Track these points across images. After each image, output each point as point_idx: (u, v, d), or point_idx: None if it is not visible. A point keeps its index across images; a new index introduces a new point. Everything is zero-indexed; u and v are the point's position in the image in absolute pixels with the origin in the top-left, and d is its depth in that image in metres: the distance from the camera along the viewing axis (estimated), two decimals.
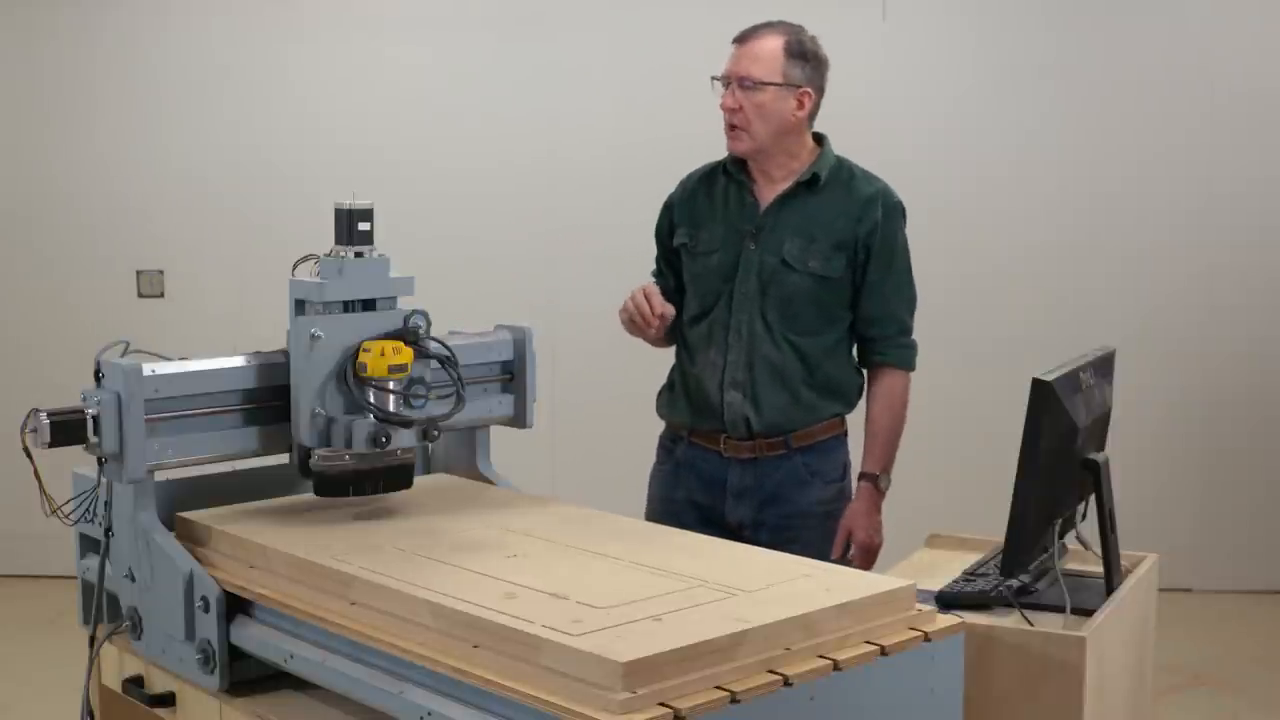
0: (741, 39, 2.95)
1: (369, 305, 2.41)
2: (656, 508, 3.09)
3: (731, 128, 2.94)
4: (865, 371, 3.10)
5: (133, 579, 2.31)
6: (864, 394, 3.10)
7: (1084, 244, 5.58)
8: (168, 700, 2.29)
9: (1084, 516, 2.59)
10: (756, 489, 2.99)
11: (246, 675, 2.19)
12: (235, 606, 2.18)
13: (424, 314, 2.43)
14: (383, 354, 2.32)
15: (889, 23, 5.55)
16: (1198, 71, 5.49)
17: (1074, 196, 5.58)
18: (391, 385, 2.35)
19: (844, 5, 5.57)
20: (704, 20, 5.45)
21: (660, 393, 3.16)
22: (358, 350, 2.34)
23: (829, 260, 2.96)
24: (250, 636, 2.16)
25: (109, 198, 5.76)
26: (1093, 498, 2.49)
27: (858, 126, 5.67)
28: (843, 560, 3.02)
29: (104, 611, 2.40)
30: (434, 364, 2.44)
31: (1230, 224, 5.54)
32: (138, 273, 5.76)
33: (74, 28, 5.72)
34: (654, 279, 3.14)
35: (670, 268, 3.14)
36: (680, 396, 3.07)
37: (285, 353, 2.37)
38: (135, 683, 2.36)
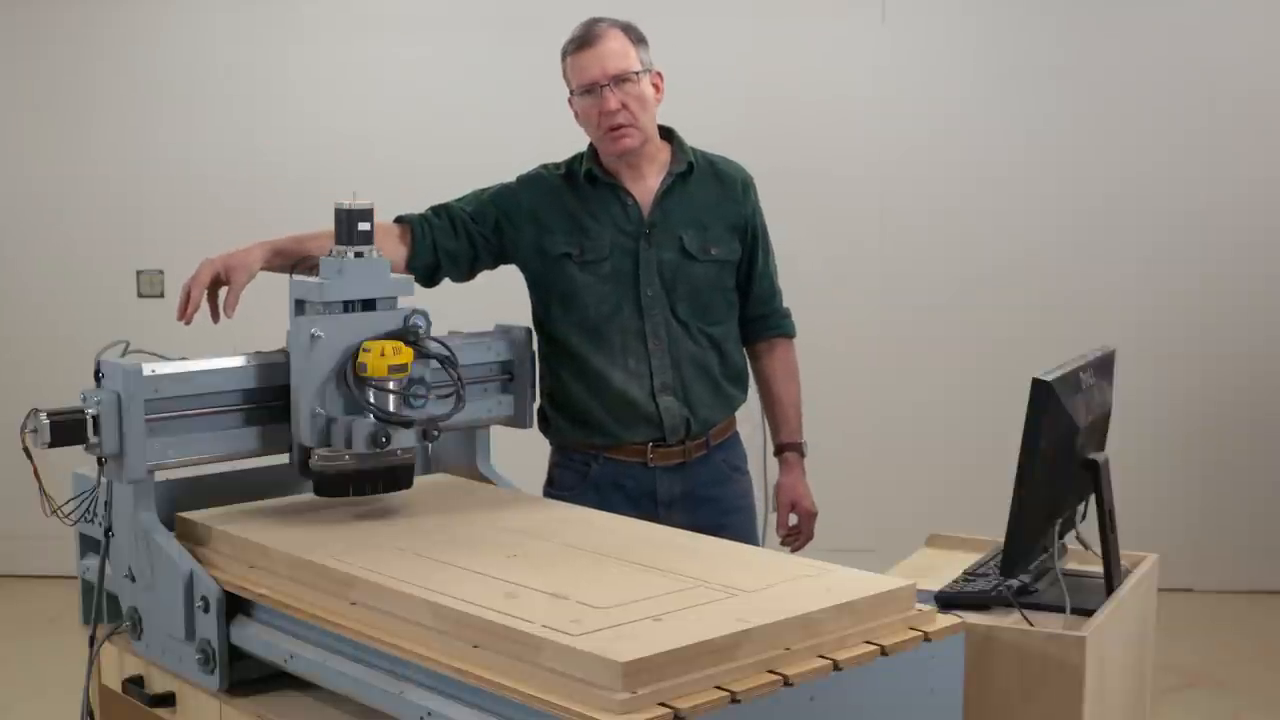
0: (588, 44, 2.84)
1: (369, 305, 2.41)
2: None
3: (616, 128, 2.84)
4: (751, 350, 3.09)
5: (133, 579, 2.31)
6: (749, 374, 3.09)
7: (1084, 244, 5.58)
8: (168, 700, 2.29)
9: (1084, 516, 2.59)
10: (687, 495, 2.93)
11: (246, 675, 2.19)
12: (235, 606, 2.18)
13: (424, 314, 2.43)
14: (383, 354, 2.32)
15: (889, 24, 5.56)
16: (1198, 73, 5.49)
17: (1074, 197, 5.58)
18: (391, 385, 2.35)
19: (844, 6, 5.58)
20: (702, 22, 5.46)
21: (545, 418, 2.97)
22: (358, 350, 2.34)
23: (728, 245, 2.95)
24: (250, 636, 2.16)
25: (109, 198, 5.77)
26: (1093, 498, 2.50)
27: (858, 127, 5.73)
28: (790, 534, 3.08)
29: (104, 611, 2.40)
30: (434, 364, 2.44)
31: (1231, 225, 5.54)
32: (138, 273, 5.76)
33: (74, 28, 5.72)
34: (435, 217, 2.88)
35: (474, 238, 2.89)
36: (590, 413, 2.90)
37: (285, 353, 2.37)
38: (135, 683, 2.36)
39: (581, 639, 1.71)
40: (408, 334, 2.39)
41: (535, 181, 2.98)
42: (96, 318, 5.45)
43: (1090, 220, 5.59)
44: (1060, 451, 2.33)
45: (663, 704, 1.64)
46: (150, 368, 2.25)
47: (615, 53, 2.83)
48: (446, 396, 2.44)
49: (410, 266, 2.83)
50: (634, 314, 2.88)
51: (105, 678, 2.45)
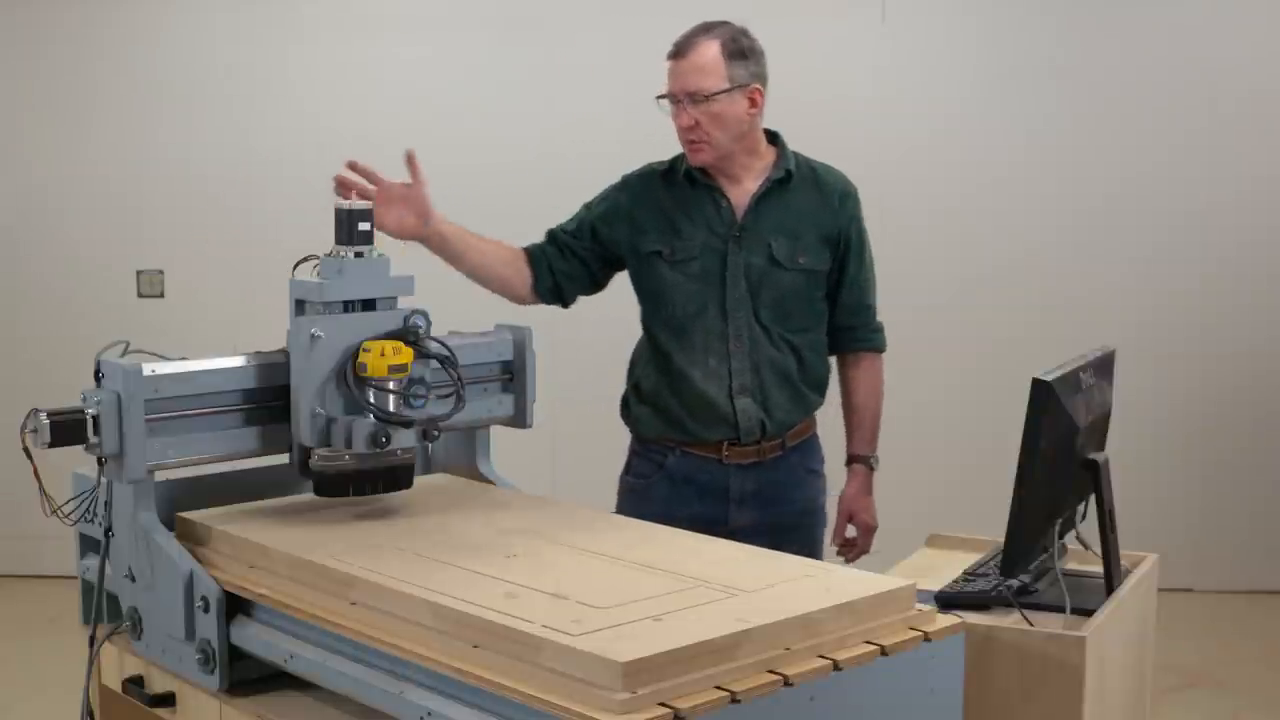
0: (679, 53, 2.87)
1: (369, 305, 2.41)
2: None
3: (691, 142, 2.88)
4: (839, 358, 3.12)
5: (133, 579, 2.31)
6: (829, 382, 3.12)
7: (1084, 244, 5.59)
8: (168, 700, 2.29)
9: (1084, 516, 2.59)
10: (759, 493, 2.97)
11: (246, 675, 2.19)
12: (235, 606, 2.18)
13: (424, 314, 2.43)
14: (383, 354, 2.32)
15: (889, 23, 5.56)
16: (1198, 73, 5.49)
17: (1074, 197, 5.58)
18: (391, 385, 2.34)
19: (844, 6, 5.58)
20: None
21: (628, 406, 3.08)
22: (358, 350, 2.34)
23: (818, 255, 2.97)
24: (250, 636, 2.16)
25: (109, 198, 5.77)
26: (1093, 498, 2.50)
27: (858, 127, 5.73)
28: (845, 545, 3.11)
29: (104, 611, 2.39)
30: (434, 364, 2.44)
31: (1231, 224, 5.54)
32: (138, 273, 5.77)
33: (74, 28, 5.73)
34: (548, 244, 3.08)
35: (579, 254, 3.04)
36: (669, 408, 2.97)
37: (285, 353, 2.37)
38: (135, 683, 2.36)
39: (581, 639, 1.71)
40: (408, 334, 2.39)
41: (635, 181, 3.06)
42: (96, 318, 5.46)
43: (1090, 220, 5.59)
44: (1060, 451, 2.33)
45: (663, 704, 1.64)
46: (150, 368, 2.25)
47: (699, 69, 2.84)
48: (446, 396, 2.44)
49: (536, 290, 3.04)
50: (718, 315, 2.92)
51: (105, 678, 2.45)
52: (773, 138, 3.01)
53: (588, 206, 3.08)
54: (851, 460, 3.13)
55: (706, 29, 2.89)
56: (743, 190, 2.95)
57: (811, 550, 3.02)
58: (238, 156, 5.69)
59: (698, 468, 2.97)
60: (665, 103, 2.90)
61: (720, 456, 2.95)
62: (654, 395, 3.00)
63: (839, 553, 3.12)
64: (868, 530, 3.11)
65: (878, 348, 3.13)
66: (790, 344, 2.97)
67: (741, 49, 2.88)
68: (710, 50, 2.85)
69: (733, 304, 2.92)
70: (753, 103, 2.90)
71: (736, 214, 2.94)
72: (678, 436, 2.97)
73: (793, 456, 3.01)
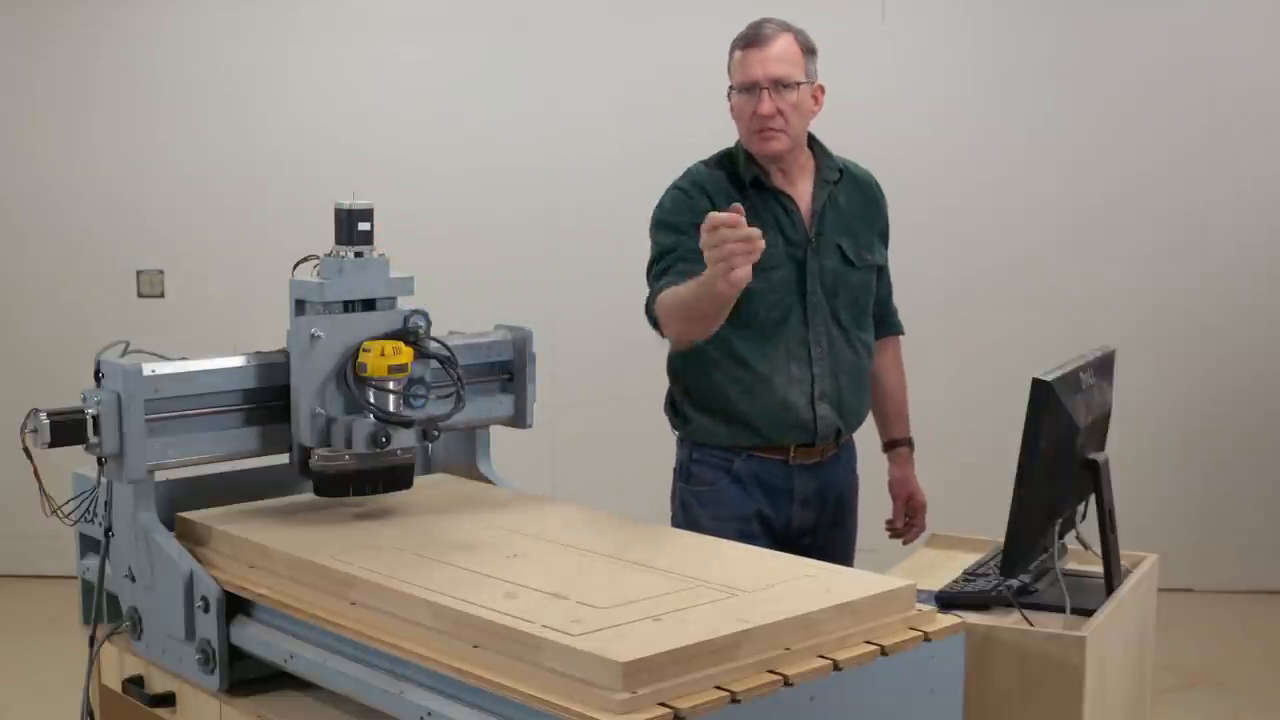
0: (756, 43, 2.84)
1: (369, 305, 2.41)
2: (728, 528, 2.80)
3: (766, 130, 2.82)
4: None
5: (133, 579, 2.31)
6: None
7: (1084, 244, 5.58)
8: (168, 700, 2.29)
9: (1084, 516, 2.59)
10: (820, 492, 2.98)
11: (246, 675, 2.20)
12: (235, 606, 2.19)
13: (424, 314, 2.43)
14: (383, 354, 2.32)
15: (889, 23, 5.56)
16: (1198, 73, 5.49)
17: (1074, 196, 5.58)
18: (391, 385, 2.35)
19: (844, 5, 5.57)
20: (703, 22, 5.45)
21: (680, 413, 3.00)
22: (358, 350, 2.34)
23: (877, 251, 3.02)
24: (250, 636, 2.16)
25: (109, 198, 5.77)
26: (1093, 498, 2.50)
27: (858, 126, 5.70)
28: (905, 527, 3.19)
29: (104, 611, 2.40)
30: (434, 364, 2.44)
31: (1231, 224, 5.54)
32: (138, 273, 5.77)
33: (74, 28, 5.73)
34: (674, 277, 2.74)
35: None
36: (743, 414, 2.88)
37: (285, 353, 2.37)
38: (135, 683, 2.36)
39: (581, 639, 1.71)
40: (408, 334, 2.39)
41: (707, 185, 2.89)
42: (96, 318, 5.46)
43: (1090, 220, 5.59)
44: (1060, 451, 2.33)
45: (663, 704, 1.64)
46: (150, 368, 2.26)
47: (781, 58, 2.83)
48: (446, 396, 2.44)
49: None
50: (800, 321, 2.90)
51: (105, 678, 2.45)
52: (810, 140, 2.99)
53: (675, 228, 2.82)
54: (895, 444, 3.19)
55: (775, 22, 2.88)
56: (800, 193, 2.93)
57: (850, 547, 3.08)
58: (238, 156, 5.69)
59: (764, 469, 2.92)
60: (737, 94, 2.85)
61: (787, 458, 2.92)
62: (721, 401, 2.90)
63: (894, 536, 3.18)
64: (923, 508, 3.19)
65: (901, 331, 3.19)
66: (864, 344, 2.99)
67: (810, 45, 2.91)
68: (788, 42, 2.86)
69: (812, 309, 2.90)
70: (816, 99, 2.91)
71: (805, 218, 2.92)
72: (748, 441, 2.91)
73: (843, 455, 3.04)
